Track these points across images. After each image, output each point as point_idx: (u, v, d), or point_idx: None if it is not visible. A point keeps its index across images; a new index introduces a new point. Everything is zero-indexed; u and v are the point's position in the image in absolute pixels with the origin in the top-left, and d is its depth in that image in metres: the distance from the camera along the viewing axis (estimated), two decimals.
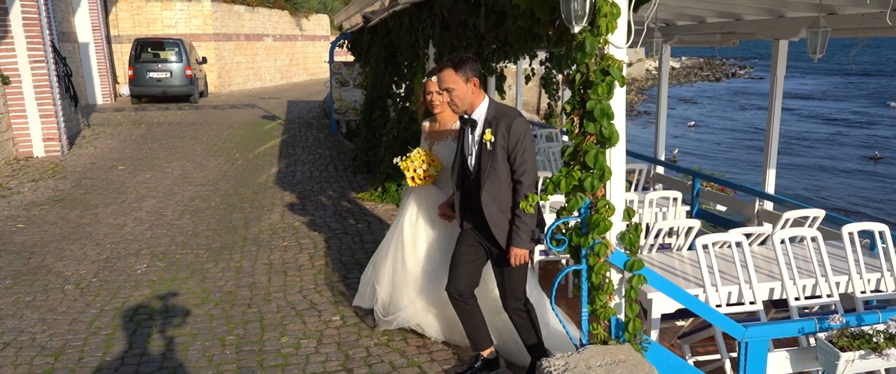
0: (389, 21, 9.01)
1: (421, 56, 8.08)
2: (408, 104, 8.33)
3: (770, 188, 7.44)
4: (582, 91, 3.54)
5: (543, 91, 12.88)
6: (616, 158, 3.64)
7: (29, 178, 9.93)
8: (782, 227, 5.68)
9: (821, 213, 5.88)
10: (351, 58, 14.82)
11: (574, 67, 3.56)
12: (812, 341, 4.45)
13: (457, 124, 4.09)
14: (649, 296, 4.21)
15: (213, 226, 7.47)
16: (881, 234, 5.22)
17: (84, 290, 5.54)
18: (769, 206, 7.15)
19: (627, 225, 3.72)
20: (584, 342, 3.72)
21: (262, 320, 4.88)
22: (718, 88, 46.87)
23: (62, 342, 4.55)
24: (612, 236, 3.69)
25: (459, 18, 5.55)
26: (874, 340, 3.86)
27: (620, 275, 3.72)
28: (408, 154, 4.31)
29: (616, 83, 3.49)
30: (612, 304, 3.72)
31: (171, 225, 7.51)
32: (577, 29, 3.47)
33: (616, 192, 3.68)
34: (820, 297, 5.13)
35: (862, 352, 3.81)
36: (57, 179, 9.91)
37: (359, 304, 4.82)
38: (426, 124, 4.45)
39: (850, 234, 5.29)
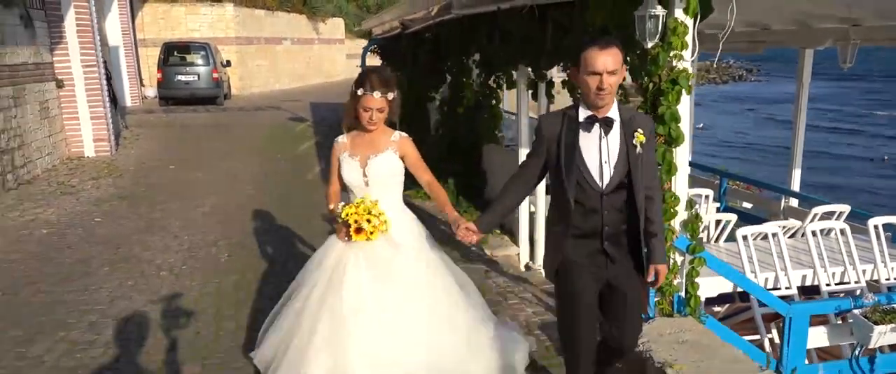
0: (435, 28, 9.58)
1: (465, 62, 8.66)
2: (455, 108, 8.91)
3: (795, 186, 7.99)
4: (654, 98, 4.10)
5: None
6: (680, 156, 4.21)
7: (88, 176, 10.52)
8: (812, 220, 6.24)
9: (846, 208, 6.44)
10: (378, 61, 15.41)
11: (646, 78, 4.12)
12: (839, 321, 5.03)
13: (393, 136, 3.56)
14: (696, 280, 4.77)
15: (280, 218, 8.03)
16: None
17: (178, 275, 6.11)
18: (794, 203, 7.70)
19: (689, 214, 4.29)
20: (651, 315, 4.28)
21: None
22: (725, 91, 47.30)
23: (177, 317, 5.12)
24: (676, 223, 4.25)
25: (522, 33, 6.13)
26: None
27: (682, 258, 4.28)
28: (349, 202, 3.51)
29: (683, 91, 4.05)
30: (675, 282, 4.28)
31: (238, 219, 8.08)
32: (649, 45, 4.04)
33: (680, 185, 4.25)
34: (848, 283, 5.70)
35: (893, 325, 4.36)
36: (115, 178, 10.49)
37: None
38: (345, 139, 3.59)
39: (876, 227, 5.86)
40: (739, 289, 5.33)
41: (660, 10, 4.03)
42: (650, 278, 3.12)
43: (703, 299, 4.97)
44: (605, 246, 3.03)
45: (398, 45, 12.47)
